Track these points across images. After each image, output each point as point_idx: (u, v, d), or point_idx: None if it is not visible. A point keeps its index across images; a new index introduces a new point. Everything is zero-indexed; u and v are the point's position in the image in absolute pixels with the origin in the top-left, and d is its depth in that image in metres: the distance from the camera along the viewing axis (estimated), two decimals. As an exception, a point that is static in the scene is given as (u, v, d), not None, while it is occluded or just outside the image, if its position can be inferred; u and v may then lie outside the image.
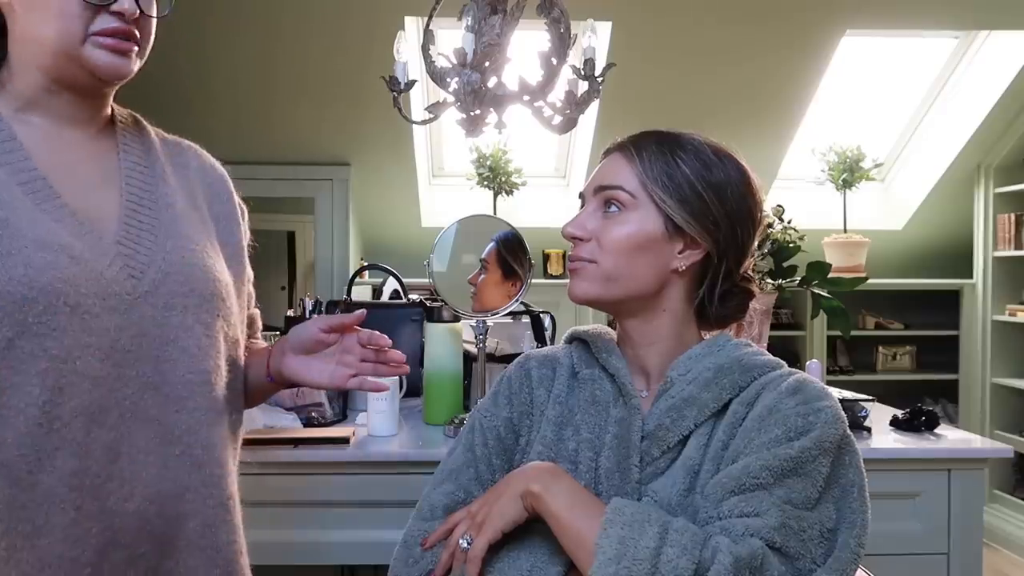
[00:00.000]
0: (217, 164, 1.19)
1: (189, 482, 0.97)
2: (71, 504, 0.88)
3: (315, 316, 1.14)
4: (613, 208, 1.00)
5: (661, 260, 1.00)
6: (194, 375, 0.99)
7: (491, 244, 1.85)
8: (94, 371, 0.90)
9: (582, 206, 1.06)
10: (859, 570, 0.98)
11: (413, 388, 2.00)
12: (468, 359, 1.99)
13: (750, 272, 1.07)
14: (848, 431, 0.94)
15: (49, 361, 0.88)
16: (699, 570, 0.82)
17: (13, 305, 0.87)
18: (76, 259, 0.91)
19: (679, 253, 1.00)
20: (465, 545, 0.93)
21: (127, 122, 1.08)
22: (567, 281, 1.06)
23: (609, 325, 1.13)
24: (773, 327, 2.71)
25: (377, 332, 1.10)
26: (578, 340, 1.10)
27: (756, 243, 1.06)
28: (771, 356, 1.02)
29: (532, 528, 0.94)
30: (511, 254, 1.83)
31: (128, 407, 0.93)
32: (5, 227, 0.89)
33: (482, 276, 1.84)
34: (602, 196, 1.01)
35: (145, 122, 1.12)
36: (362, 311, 1.08)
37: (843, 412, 0.95)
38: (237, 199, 1.18)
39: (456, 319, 1.91)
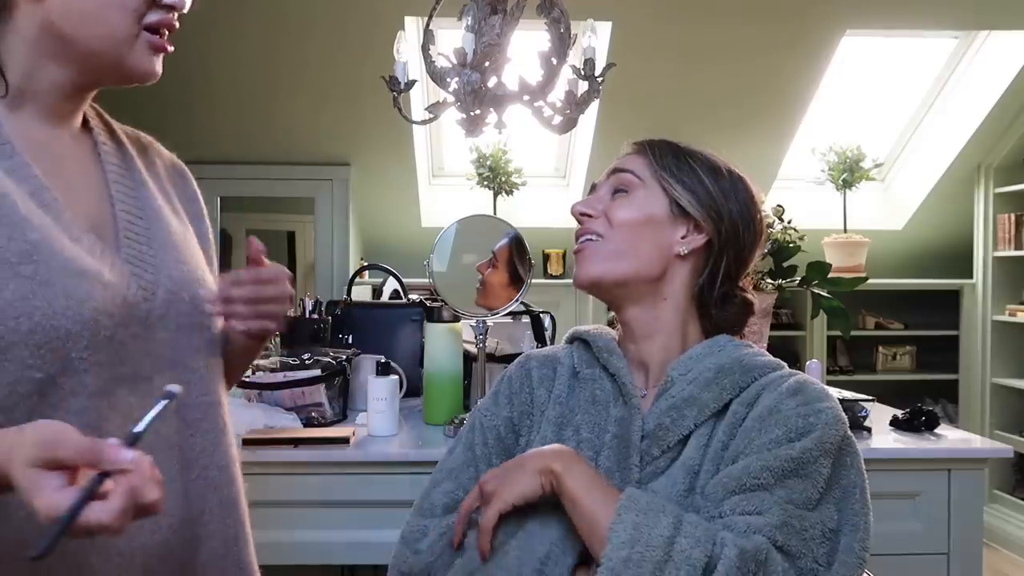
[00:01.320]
0: (176, 158, 1.07)
1: (206, 504, 0.93)
2: (109, 542, 0.82)
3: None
4: (622, 191, 1.04)
5: (664, 241, 1.02)
6: (207, 396, 0.94)
7: (504, 240, 1.84)
8: (125, 405, 0.85)
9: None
10: (859, 570, 0.98)
11: (413, 388, 2.00)
12: (468, 359, 1.99)
13: (749, 286, 1.09)
14: (849, 432, 0.95)
15: (88, 398, 0.81)
16: (711, 563, 0.83)
17: (57, 340, 0.79)
18: (107, 286, 0.84)
19: (682, 238, 1.02)
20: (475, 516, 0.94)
21: (94, 117, 0.97)
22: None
23: (609, 325, 1.14)
24: (773, 327, 2.71)
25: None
26: (579, 340, 1.10)
27: (758, 253, 1.08)
28: (772, 357, 1.02)
29: (548, 515, 0.94)
30: (520, 258, 1.82)
31: (152, 436, 0.87)
32: (39, 251, 0.80)
33: (490, 269, 1.84)
34: (614, 179, 1.06)
35: (106, 115, 1.00)
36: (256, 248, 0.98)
37: (844, 413, 0.95)
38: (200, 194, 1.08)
39: (456, 319, 1.91)
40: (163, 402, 0.73)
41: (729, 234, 1.03)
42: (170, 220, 0.96)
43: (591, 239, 1.04)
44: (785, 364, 1.03)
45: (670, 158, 1.04)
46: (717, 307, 1.04)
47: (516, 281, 1.83)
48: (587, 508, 0.89)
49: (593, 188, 1.09)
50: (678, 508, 0.88)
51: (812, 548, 0.87)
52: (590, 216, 1.04)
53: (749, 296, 1.08)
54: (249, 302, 0.95)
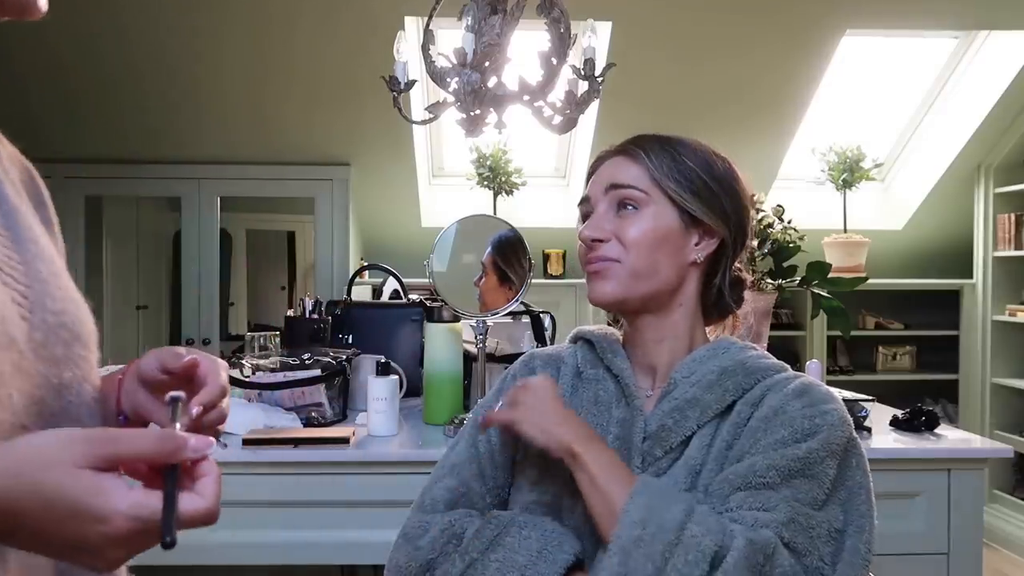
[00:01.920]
0: (20, 154, 0.80)
1: None
2: None
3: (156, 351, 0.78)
4: (628, 207, 1.01)
5: (680, 253, 1.02)
6: None
7: (488, 248, 1.86)
8: None
9: (584, 213, 1.06)
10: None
11: (413, 388, 2.00)
12: (468, 359, 1.99)
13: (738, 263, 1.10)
14: (854, 434, 0.95)
15: None
16: (720, 552, 0.83)
17: None
18: None
19: (695, 245, 1.02)
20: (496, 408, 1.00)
21: None
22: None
23: (611, 324, 1.14)
24: (773, 327, 2.71)
25: (213, 396, 0.74)
26: (583, 340, 1.10)
27: (751, 236, 1.09)
28: (775, 360, 1.02)
29: (546, 511, 0.95)
30: (504, 260, 1.83)
31: None
32: None
33: (483, 280, 1.85)
34: (614, 195, 1.02)
35: None
36: (191, 360, 0.74)
37: (849, 415, 0.95)
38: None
39: (456, 319, 1.91)
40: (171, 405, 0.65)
41: (737, 229, 1.03)
42: (32, 224, 0.73)
43: (607, 264, 1.01)
44: (788, 367, 1.03)
45: (668, 162, 1.01)
46: (727, 296, 1.05)
47: (504, 281, 1.84)
48: (602, 488, 0.90)
49: (585, 200, 1.06)
50: (691, 497, 0.89)
51: (818, 546, 0.87)
52: (602, 241, 1.01)
53: (743, 274, 1.09)
54: (212, 424, 0.75)
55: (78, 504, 0.54)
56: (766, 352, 1.04)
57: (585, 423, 0.98)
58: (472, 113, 1.95)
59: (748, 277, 1.10)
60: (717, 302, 1.06)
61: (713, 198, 1.01)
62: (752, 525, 0.86)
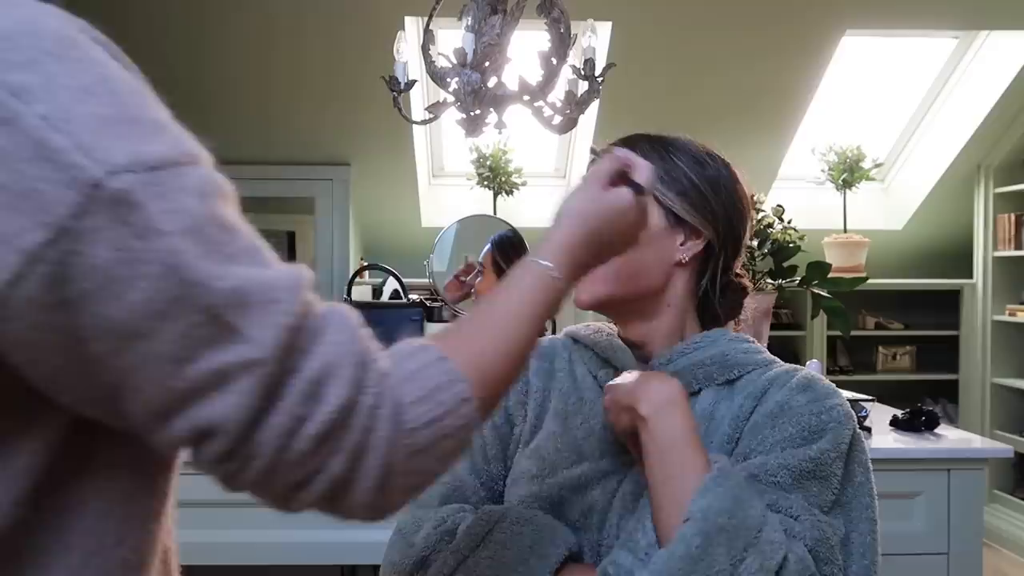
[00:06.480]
0: None
1: None
2: None
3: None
4: None
5: (664, 253, 1.00)
6: None
7: (487, 247, 1.85)
8: None
9: None
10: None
11: (413, 388, 2.00)
12: (468, 359, 1.99)
13: (741, 269, 1.08)
14: (858, 430, 0.95)
15: None
16: (783, 564, 0.82)
17: None
18: None
19: (680, 245, 1.00)
20: None
21: None
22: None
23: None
24: (773, 327, 2.71)
25: None
26: (575, 341, 1.10)
27: (749, 235, 1.07)
28: (767, 354, 1.02)
29: (543, 506, 0.95)
30: (504, 259, 1.83)
31: None
32: None
33: (479, 279, 1.85)
34: None
35: None
36: None
37: (851, 409, 0.95)
38: None
39: (456, 319, 1.91)
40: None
41: (726, 231, 1.01)
42: None
43: None
44: (778, 359, 1.02)
45: (656, 160, 0.99)
46: (719, 300, 1.04)
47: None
48: (674, 461, 0.87)
49: None
50: (761, 495, 0.87)
51: (836, 554, 0.87)
52: None
53: (744, 281, 1.07)
54: None
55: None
56: (760, 346, 1.03)
57: (665, 384, 0.93)
58: (472, 113, 1.95)
59: (749, 284, 1.08)
60: (708, 306, 1.05)
61: (701, 198, 0.99)
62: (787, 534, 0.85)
